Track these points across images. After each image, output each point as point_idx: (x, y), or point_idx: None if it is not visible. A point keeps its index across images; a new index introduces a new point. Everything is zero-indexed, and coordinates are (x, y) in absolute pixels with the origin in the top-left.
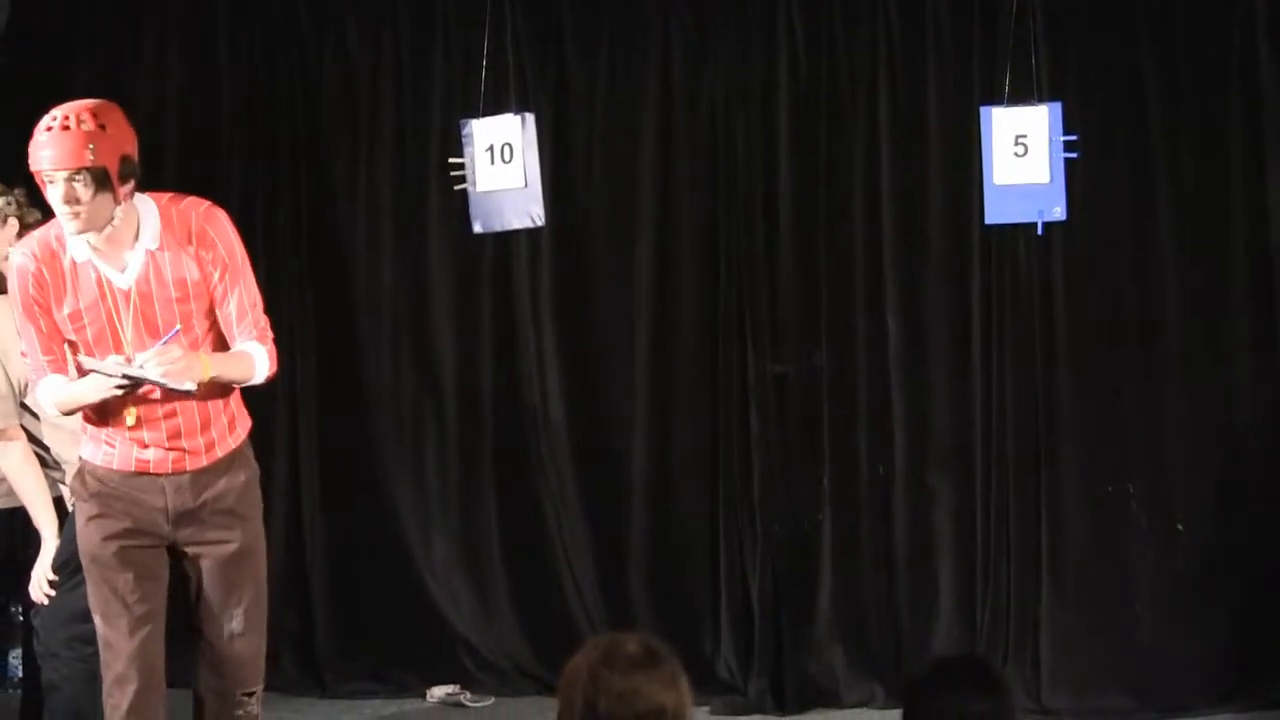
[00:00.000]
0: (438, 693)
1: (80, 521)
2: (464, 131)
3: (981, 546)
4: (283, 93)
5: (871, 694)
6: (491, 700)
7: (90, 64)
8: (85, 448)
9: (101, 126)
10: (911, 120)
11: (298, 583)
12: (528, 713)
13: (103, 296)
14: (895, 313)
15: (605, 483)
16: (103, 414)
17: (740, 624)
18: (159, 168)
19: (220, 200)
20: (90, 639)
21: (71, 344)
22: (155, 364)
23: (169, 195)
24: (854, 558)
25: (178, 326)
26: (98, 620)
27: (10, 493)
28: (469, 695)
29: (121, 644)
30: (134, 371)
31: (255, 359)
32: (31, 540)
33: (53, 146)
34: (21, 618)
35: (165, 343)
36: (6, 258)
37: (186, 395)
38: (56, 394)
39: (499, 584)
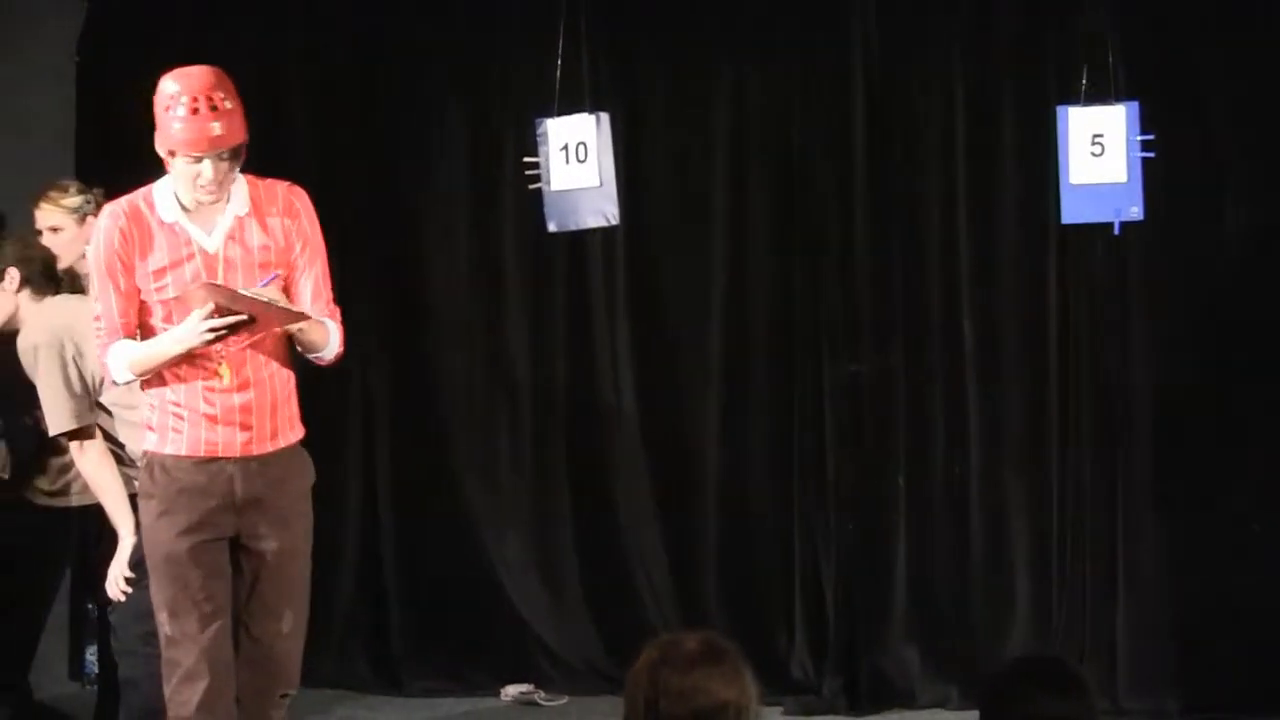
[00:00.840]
0: (511, 691)
1: (148, 519)
2: (539, 131)
3: (1057, 546)
4: (357, 91)
5: (946, 695)
6: (565, 699)
7: (162, 62)
8: (149, 440)
9: (236, 102)
10: (987, 119)
11: (372, 582)
12: (601, 712)
13: (189, 257)
14: (970, 313)
15: (679, 481)
16: (178, 378)
17: (814, 624)
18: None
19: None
20: None
21: (146, 306)
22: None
23: (253, 175)
24: (929, 557)
25: (278, 271)
26: (163, 617)
27: (87, 489)
28: (543, 694)
29: (192, 640)
30: (247, 292)
31: (332, 333)
32: (107, 538)
33: (202, 130)
34: (98, 615)
35: (266, 285)
36: (83, 255)
37: (296, 317)
38: (132, 354)
39: (573, 583)
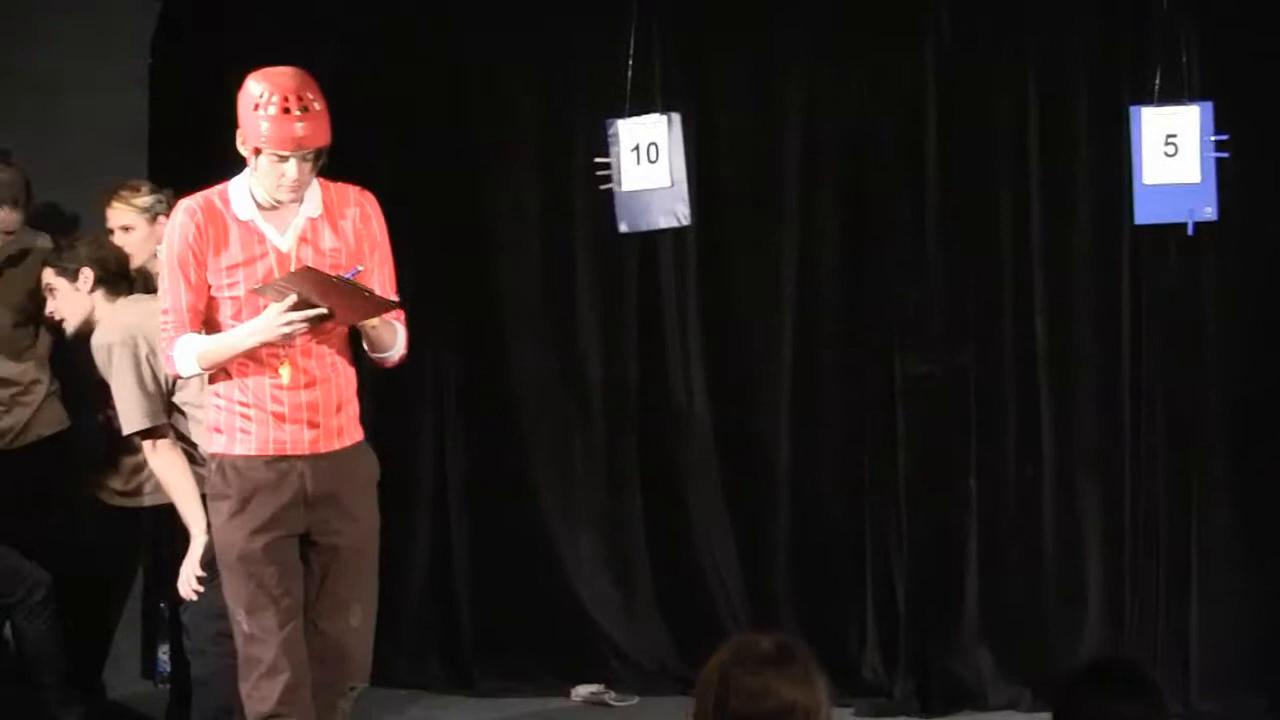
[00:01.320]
0: (582, 692)
1: (219, 519)
2: (609, 131)
3: (1130, 548)
4: (429, 92)
5: (1018, 696)
6: (635, 700)
7: (236, 63)
8: (217, 441)
9: (324, 103)
10: (1060, 119)
11: (444, 582)
12: (672, 713)
13: (261, 255)
14: (1043, 313)
15: (750, 482)
16: (245, 376)
17: (886, 625)
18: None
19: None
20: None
21: (215, 302)
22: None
23: (323, 179)
24: (1001, 559)
25: (360, 267)
26: (240, 615)
27: (159, 489)
28: (613, 695)
29: (271, 636)
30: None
31: (399, 334)
32: (179, 537)
33: (292, 129)
34: (170, 614)
35: (351, 277)
36: (155, 255)
37: (387, 306)
38: (201, 346)
39: (644, 583)
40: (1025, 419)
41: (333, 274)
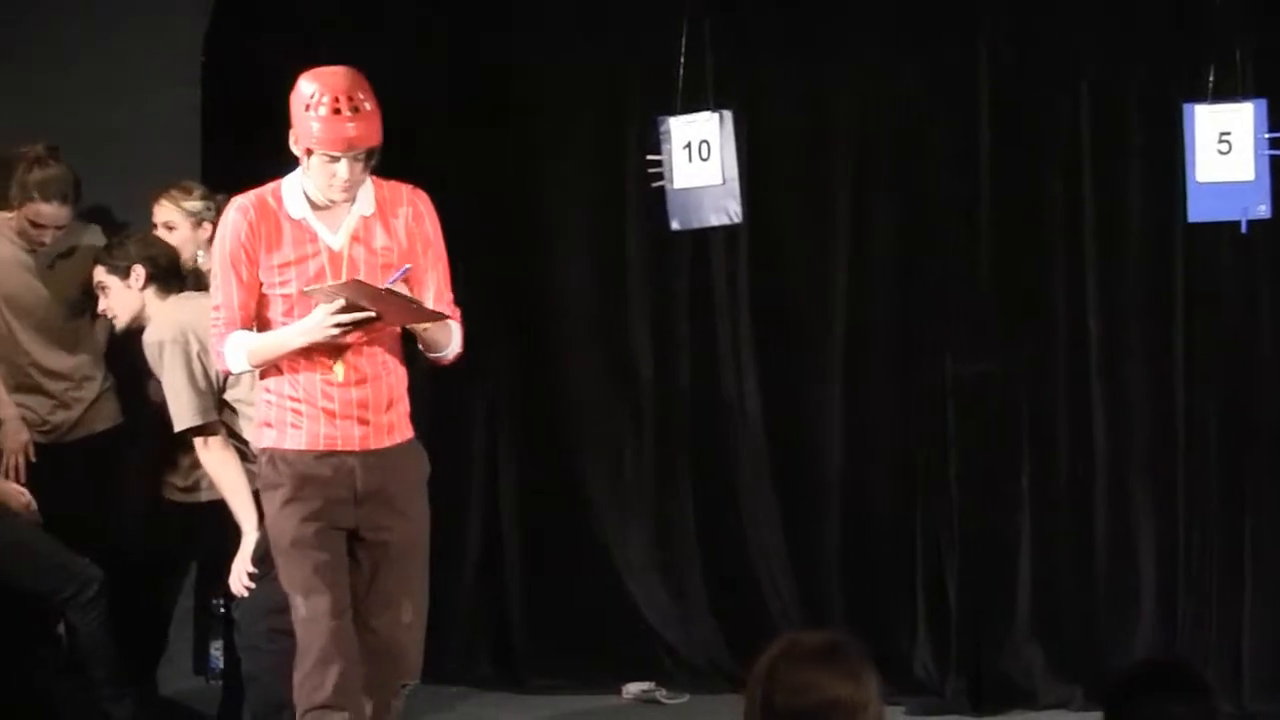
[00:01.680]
0: (633, 689)
1: (272, 509)
2: (661, 129)
3: (1183, 547)
4: (482, 89)
5: (1070, 696)
6: (686, 698)
7: (289, 62)
8: (267, 436)
9: (375, 103)
10: (1112, 116)
11: (494, 579)
12: (723, 711)
13: (313, 254)
14: (1095, 312)
15: (801, 480)
16: (296, 372)
17: (937, 623)
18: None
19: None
20: (290, 630)
21: (266, 299)
22: (386, 285)
23: (376, 177)
24: (1053, 557)
25: (408, 266)
26: (298, 600)
27: (213, 485)
28: (664, 692)
29: (325, 622)
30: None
31: (454, 333)
32: (230, 534)
33: (343, 130)
34: (222, 610)
35: (396, 280)
36: (198, 256)
37: (433, 316)
38: (252, 343)
39: (695, 581)
40: (1077, 418)
41: (382, 287)
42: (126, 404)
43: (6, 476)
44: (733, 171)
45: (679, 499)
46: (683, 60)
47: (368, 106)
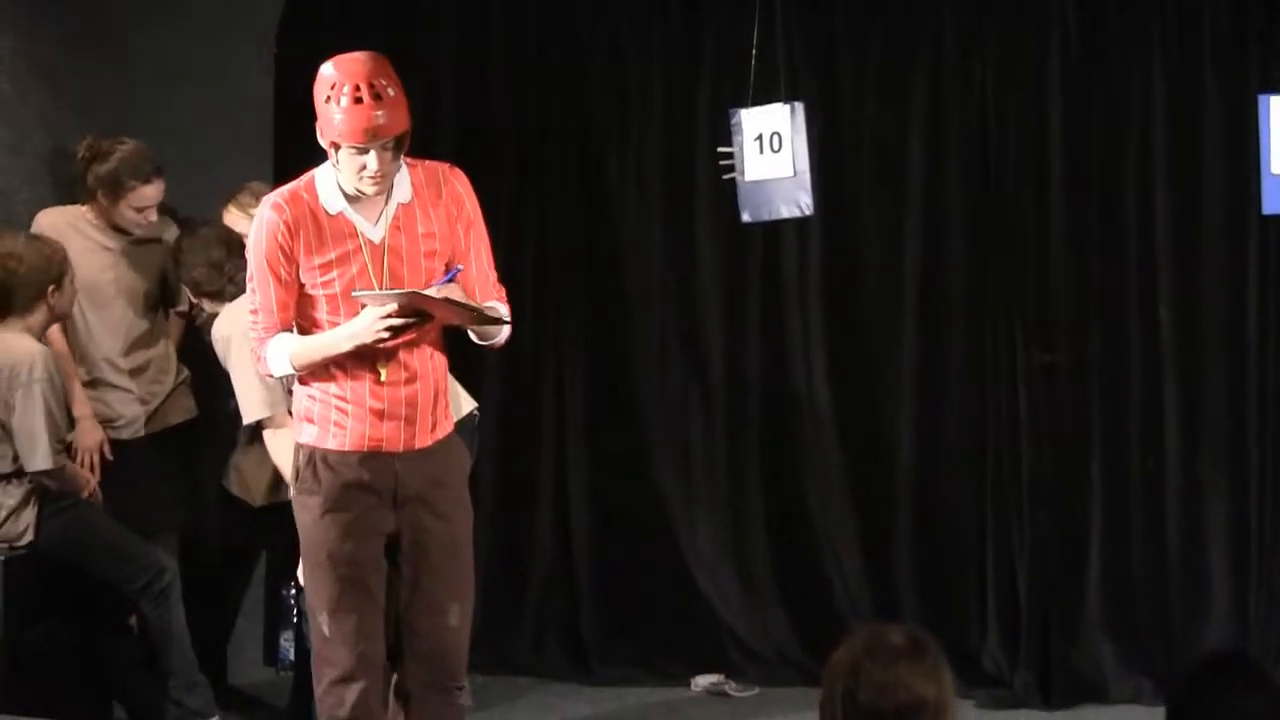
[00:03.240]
0: (702, 681)
1: (308, 516)
2: (733, 121)
3: (1256, 541)
4: (554, 83)
5: (1140, 689)
6: (756, 690)
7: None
8: (308, 432)
9: (398, 90)
10: (1187, 106)
11: (564, 570)
12: (793, 703)
13: (355, 250)
14: (1168, 302)
15: (871, 471)
16: (344, 372)
17: (1007, 616)
18: (432, 146)
19: (492, 190)
20: None
21: (308, 298)
22: (438, 291)
23: (410, 156)
24: (1123, 550)
25: (459, 267)
26: (323, 617)
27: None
28: (734, 685)
29: (349, 642)
30: (426, 292)
31: (503, 315)
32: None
33: (367, 119)
34: (292, 601)
35: (446, 282)
36: None
37: (483, 318)
38: (294, 347)
39: (765, 573)
40: (1149, 410)
41: (438, 295)
42: (200, 397)
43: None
44: (804, 163)
45: (748, 490)
46: (755, 52)
47: (391, 92)
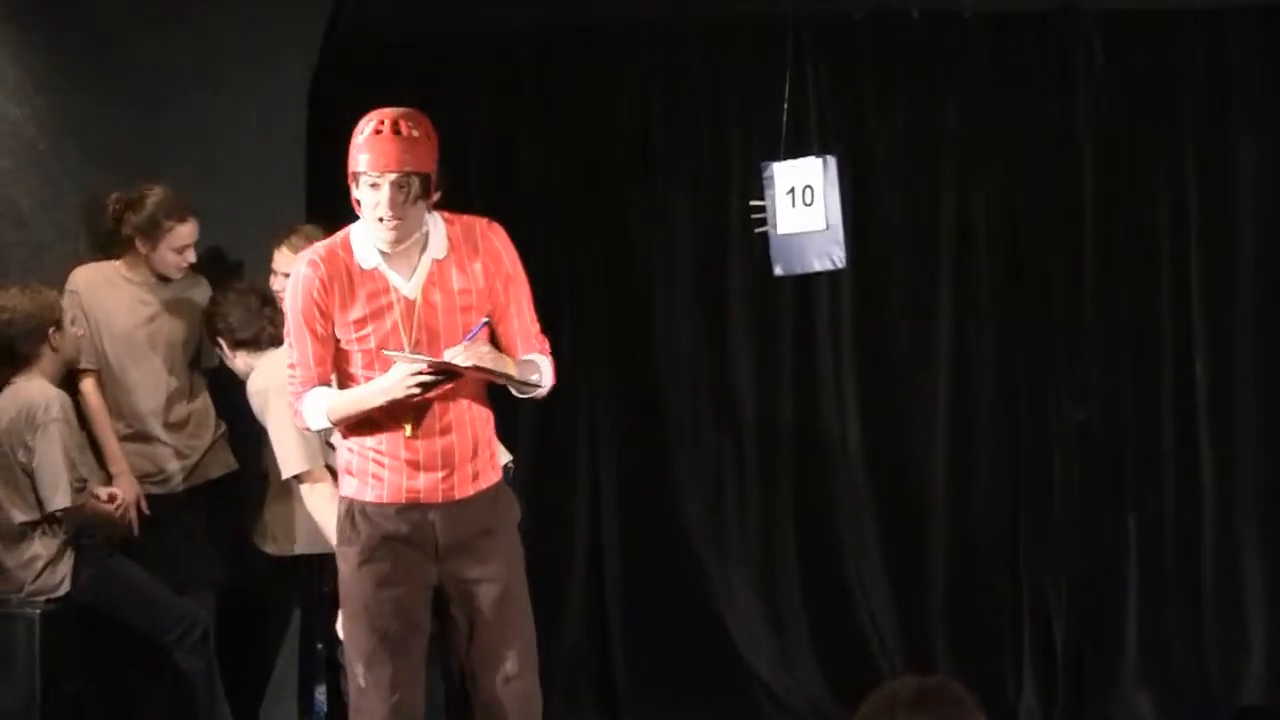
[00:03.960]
0: None
1: (347, 567)
2: (764, 174)
3: None
4: (583, 134)
5: None
6: None
7: (396, 100)
8: (349, 485)
9: (424, 134)
10: (1219, 152)
11: (597, 621)
12: None
13: (388, 306)
14: (1202, 356)
15: (905, 522)
16: (378, 425)
17: (1043, 667)
18: (463, 202)
19: (520, 238)
20: None
21: (344, 353)
22: (464, 357)
23: (448, 212)
24: (1161, 601)
25: (485, 321)
26: (359, 669)
27: (315, 538)
28: None
29: (382, 694)
30: (445, 360)
31: (542, 368)
32: (332, 578)
33: (384, 149)
34: (327, 655)
35: (472, 339)
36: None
37: (498, 378)
38: (330, 402)
39: (797, 624)
40: (1184, 460)
41: (464, 363)
42: (238, 452)
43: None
44: (836, 217)
45: (781, 540)
46: (786, 105)
47: (415, 133)
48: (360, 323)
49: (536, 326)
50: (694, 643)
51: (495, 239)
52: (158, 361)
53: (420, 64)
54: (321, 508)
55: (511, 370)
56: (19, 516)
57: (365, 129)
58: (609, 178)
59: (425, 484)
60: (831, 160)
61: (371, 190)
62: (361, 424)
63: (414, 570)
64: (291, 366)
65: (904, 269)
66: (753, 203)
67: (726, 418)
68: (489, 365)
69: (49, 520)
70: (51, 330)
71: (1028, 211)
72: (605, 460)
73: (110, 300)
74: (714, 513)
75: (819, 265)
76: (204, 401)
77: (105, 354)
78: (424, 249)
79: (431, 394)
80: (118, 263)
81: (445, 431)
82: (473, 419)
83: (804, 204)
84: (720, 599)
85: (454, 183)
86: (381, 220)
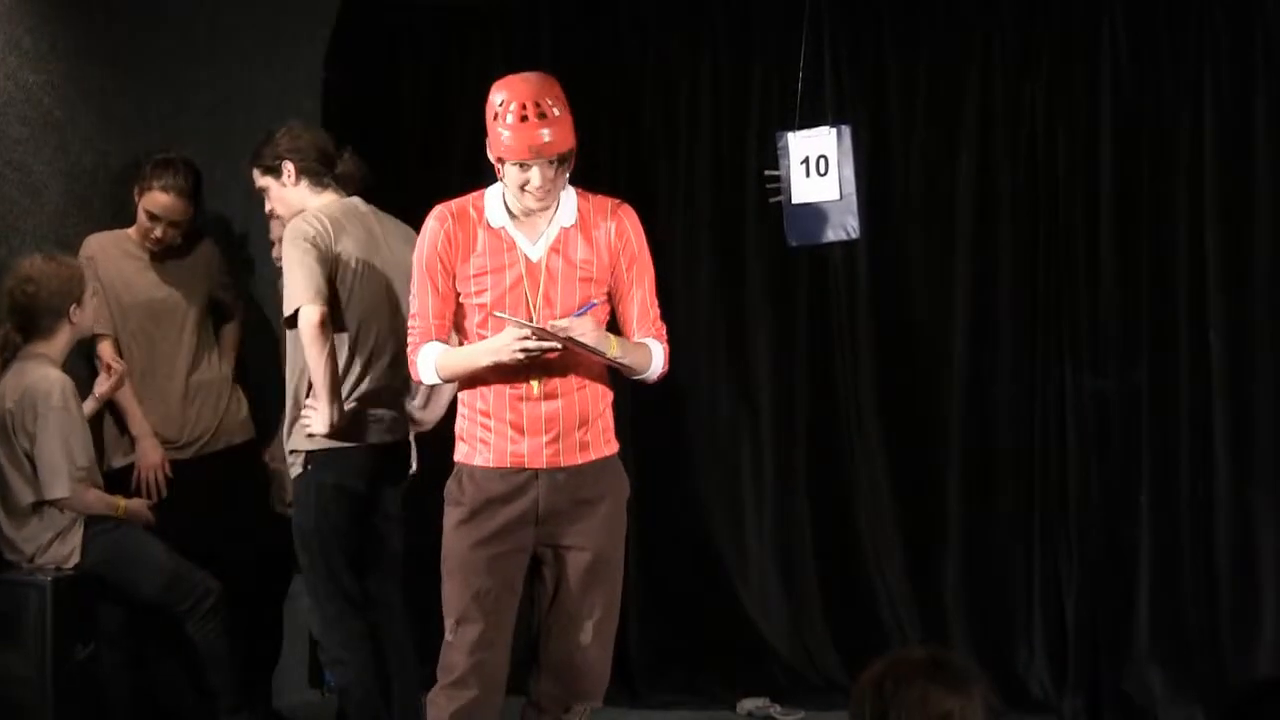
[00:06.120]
0: (748, 704)
1: (449, 524)
2: (779, 144)
3: None
4: (602, 108)
5: (1190, 716)
6: (802, 714)
7: (408, 79)
8: (460, 449)
9: (563, 108)
10: (1238, 129)
11: None
12: None
13: (510, 264)
14: (1218, 327)
15: (919, 496)
16: (486, 385)
17: (1054, 641)
18: (484, 171)
19: None
20: (364, 633)
21: (463, 308)
22: (565, 329)
23: (583, 188)
24: (1173, 576)
25: (595, 301)
26: (450, 623)
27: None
28: (779, 708)
29: (466, 649)
30: (548, 327)
31: (654, 354)
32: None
33: (531, 136)
34: None
35: (580, 315)
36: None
37: (595, 356)
38: (442, 358)
39: (812, 596)
40: (1199, 435)
41: (564, 335)
42: (258, 418)
43: (141, 494)
44: (850, 187)
45: (796, 513)
46: (801, 75)
47: (556, 112)
48: (480, 276)
49: (656, 311)
50: (709, 617)
51: (625, 218)
52: (176, 325)
53: (439, 33)
54: (314, 353)
55: (612, 353)
56: (27, 496)
57: (508, 113)
58: (626, 148)
59: (530, 448)
60: (846, 130)
61: (520, 172)
62: (473, 386)
63: (513, 532)
64: (412, 317)
65: (919, 241)
66: (767, 172)
67: (741, 390)
68: (588, 342)
69: (53, 501)
70: (73, 306)
71: (1046, 181)
72: (622, 435)
73: (124, 267)
74: (728, 485)
75: (833, 235)
76: (223, 369)
77: (119, 320)
78: (553, 215)
79: (536, 360)
80: (130, 231)
81: (550, 397)
82: (583, 389)
83: (818, 174)
84: (734, 571)
85: (472, 154)
86: (529, 194)
